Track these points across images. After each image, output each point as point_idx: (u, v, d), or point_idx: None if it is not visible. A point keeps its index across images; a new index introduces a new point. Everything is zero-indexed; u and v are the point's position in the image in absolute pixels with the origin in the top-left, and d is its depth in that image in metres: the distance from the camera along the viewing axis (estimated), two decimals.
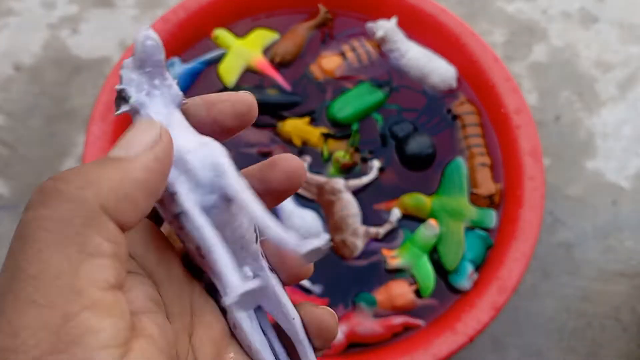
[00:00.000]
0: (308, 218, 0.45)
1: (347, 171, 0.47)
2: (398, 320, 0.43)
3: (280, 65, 0.51)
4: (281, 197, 0.21)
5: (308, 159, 0.48)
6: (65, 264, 0.14)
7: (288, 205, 0.45)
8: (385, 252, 0.45)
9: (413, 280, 0.44)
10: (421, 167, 0.48)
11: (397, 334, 0.44)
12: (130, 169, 0.16)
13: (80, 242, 0.15)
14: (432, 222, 0.45)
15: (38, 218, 0.15)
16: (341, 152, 0.47)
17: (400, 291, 0.44)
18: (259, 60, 0.50)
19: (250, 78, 0.50)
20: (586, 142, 0.56)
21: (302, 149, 0.48)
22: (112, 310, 0.15)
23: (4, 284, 0.15)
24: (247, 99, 0.22)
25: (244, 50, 0.50)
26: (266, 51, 0.51)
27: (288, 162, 0.20)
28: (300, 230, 0.44)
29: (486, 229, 0.46)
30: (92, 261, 0.15)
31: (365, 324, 0.43)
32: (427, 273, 0.44)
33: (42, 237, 0.15)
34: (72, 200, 0.15)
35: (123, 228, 0.16)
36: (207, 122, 0.20)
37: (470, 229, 0.46)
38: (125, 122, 0.48)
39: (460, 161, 0.47)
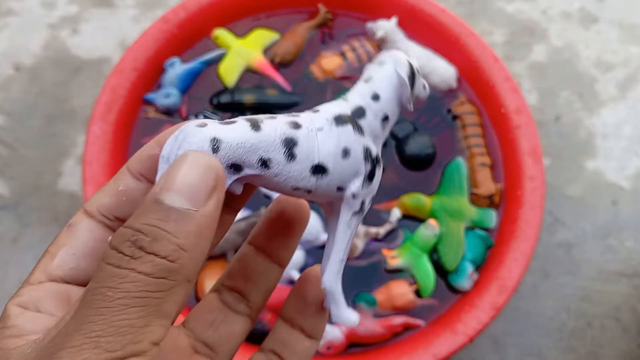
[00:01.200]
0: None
1: None
2: (398, 320, 0.43)
3: (280, 65, 0.51)
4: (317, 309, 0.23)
5: None
6: (139, 322, 0.15)
7: None
8: (385, 252, 0.45)
9: (413, 280, 0.44)
10: (421, 167, 0.48)
11: (397, 334, 0.44)
12: (203, 228, 0.16)
13: (157, 305, 0.16)
14: (432, 222, 0.45)
15: (127, 273, 0.16)
16: None
17: (400, 291, 0.44)
18: (259, 60, 0.50)
19: (250, 78, 0.50)
20: (586, 142, 0.56)
21: None
22: (150, 354, 0.16)
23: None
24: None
25: (244, 50, 0.50)
26: (266, 51, 0.51)
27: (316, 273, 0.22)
28: None
29: (486, 229, 0.46)
30: (160, 321, 0.16)
31: (366, 324, 0.43)
32: (427, 273, 0.44)
33: (128, 291, 0.16)
34: (165, 271, 0.16)
35: (191, 284, 0.17)
36: None
37: (470, 229, 0.46)
38: (125, 123, 0.48)
39: (460, 161, 0.47)
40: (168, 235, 0.16)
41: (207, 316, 0.23)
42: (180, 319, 0.23)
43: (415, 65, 0.21)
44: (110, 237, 0.17)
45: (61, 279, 0.19)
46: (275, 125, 0.19)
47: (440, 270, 0.45)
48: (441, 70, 0.50)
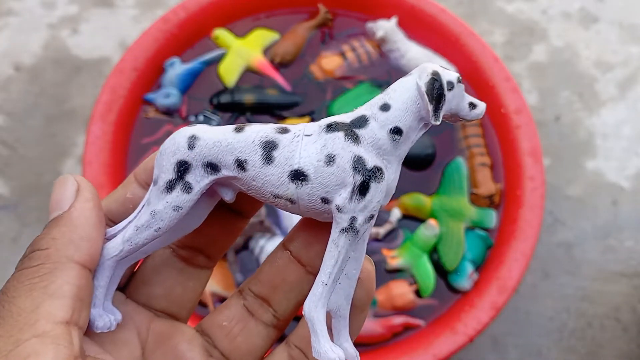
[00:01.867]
0: None
1: None
2: (398, 320, 0.43)
3: (280, 65, 0.51)
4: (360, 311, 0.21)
5: None
6: (28, 304, 0.17)
7: None
8: (385, 252, 0.45)
9: (413, 281, 0.44)
10: (421, 167, 0.48)
11: (397, 334, 0.44)
12: (74, 217, 0.19)
13: (44, 287, 0.18)
14: (432, 222, 0.45)
15: (16, 276, 0.18)
16: None
17: (400, 291, 0.44)
18: (259, 60, 0.50)
19: (250, 78, 0.50)
20: (586, 142, 0.56)
21: None
22: (58, 339, 0.17)
23: None
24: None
25: (244, 50, 0.50)
26: (266, 51, 0.51)
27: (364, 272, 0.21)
28: None
29: (486, 229, 0.46)
30: (51, 301, 0.17)
31: (366, 324, 0.43)
32: (427, 273, 0.44)
33: (17, 287, 0.18)
34: (41, 258, 0.18)
35: (90, 266, 0.19)
36: None
37: (470, 229, 0.46)
38: (125, 123, 0.48)
39: (460, 161, 0.47)
40: (47, 235, 0.19)
41: (224, 323, 0.22)
42: (197, 320, 0.23)
43: (448, 77, 0.19)
44: None
45: None
46: (259, 129, 0.18)
47: (440, 270, 0.45)
48: None
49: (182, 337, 0.22)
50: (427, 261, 0.45)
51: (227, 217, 0.21)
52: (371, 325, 0.43)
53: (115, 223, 0.21)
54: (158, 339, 0.22)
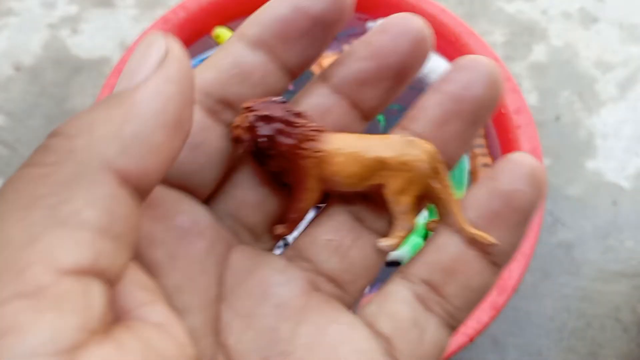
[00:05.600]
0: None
1: None
2: None
3: None
4: (404, 80, 0.18)
5: None
6: (20, 234, 0.10)
7: None
8: None
9: None
10: None
11: None
12: (136, 101, 0.12)
13: (50, 206, 0.11)
14: None
15: (13, 180, 0.12)
16: None
17: None
18: None
19: None
20: (586, 142, 0.56)
21: None
22: (62, 302, 0.10)
23: None
24: None
25: None
26: None
27: (407, 21, 0.17)
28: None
29: None
30: (60, 232, 0.11)
31: None
32: (418, 244, 0.45)
33: (10, 199, 0.11)
34: (57, 150, 0.12)
35: (139, 186, 0.12)
36: (294, 18, 0.16)
37: None
38: None
39: (464, 157, 0.47)
40: (83, 118, 0.13)
41: (329, 237, 0.17)
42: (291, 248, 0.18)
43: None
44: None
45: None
46: None
47: None
48: (441, 70, 0.50)
49: (270, 268, 0.17)
50: (422, 241, 0.45)
51: None
52: None
53: (212, 99, 0.16)
54: (240, 271, 0.16)
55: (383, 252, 0.18)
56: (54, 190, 0.11)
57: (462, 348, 0.41)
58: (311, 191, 0.17)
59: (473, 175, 0.47)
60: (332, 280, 0.17)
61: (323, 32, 0.17)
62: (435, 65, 0.50)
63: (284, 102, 0.17)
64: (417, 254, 0.18)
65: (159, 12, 0.59)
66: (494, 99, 0.18)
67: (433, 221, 0.19)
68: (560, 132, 0.56)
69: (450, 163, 0.18)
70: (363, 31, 0.52)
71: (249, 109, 0.17)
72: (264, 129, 0.16)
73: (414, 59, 0.17)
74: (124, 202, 0.12)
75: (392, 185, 0.17)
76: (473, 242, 0.17)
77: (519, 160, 0.17)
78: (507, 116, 0.47)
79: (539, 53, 0.59)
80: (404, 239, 0.17)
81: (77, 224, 0.11)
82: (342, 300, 0.17)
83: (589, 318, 0.50)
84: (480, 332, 0.41)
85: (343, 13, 0.17)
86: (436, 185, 0.18)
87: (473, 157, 0.47)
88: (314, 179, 0.17)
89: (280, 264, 0.17)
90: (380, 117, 0.48)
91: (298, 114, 0.17)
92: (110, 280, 0.11)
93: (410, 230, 0.17)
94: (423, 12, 0.51)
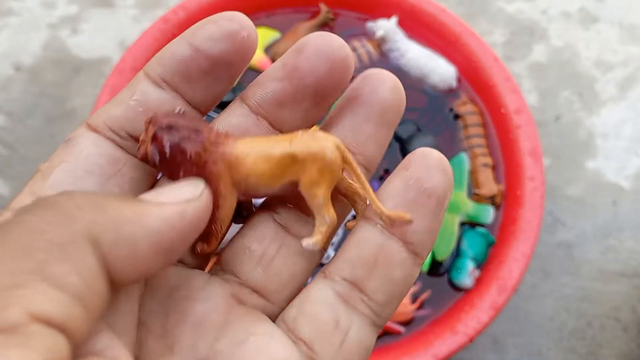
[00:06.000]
0: None
1: None
2: None
3: None
4: (323, 100, 0.17)
5: None
6: (9, 277, 0.11)
7: None
8: None
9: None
10: None
11: (378, 337, 0.43)
12: (148, 213, 0.14)
13: (42, 261, 0.12)
14: None
15: (15, 222, 0.13)
16: None
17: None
18: (260, 58, 0.50)
19: (251, 77, 0.50)
20: (586, 142, 0.56)
21: None
22: (29, 341, 0.11)
23: None
24: (234, 15, 0.17)
25: None
26: (267, 50, 0.51)
27: (323, 41, 0.16)
28: None
29: (482, 225, 0.46)
30: (43, 287, 0.11)
31: None
32: None
33: (8, 241, 0.12)
34: (62, 213, 0.13)
35: (111, 279, 0.13)
36: (194, 59, 0.17)
37: (471, 227, 0.46)
38: None
39: (463, 157, 0.47)
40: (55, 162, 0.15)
41: (253, 247, 0.17)
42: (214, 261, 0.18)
43: None
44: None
45: None
46: None
47: (440, 270, 0.45)
48: (441, 70, 0.50)
49: (190, 287, 0.17)
50: None
51: None
52: None
53: (119, 134, 0.17)
54: (160, 293, 0.16)
55: (310, 256, 0.18)
56: (48, 248, 0.12)
57: (462, 348, 0.41)
58: (225, 197, 0.17)
59: (473, 175, 0.47)
60: (256, 291, 0.17)
61: (225, 71, 0.17)
62: (436, 65, 0.50)
63: (184, 113, 0.17)
64: (338, 252, 0.18)
65: (159, 12, 0.59)
66: (399, 103, 0.18)
67: (351, 220, 0.18)
68: (560, 132, 0.56)
69: (370, 166, 0.18)
70: (363, 31, 0.52)
71: (151, 122, 0.16)
72: (169, 138, 0.16)
73: (332, 79, 0.17)
74: (102, 281, 0.13)
75: (304, 179, 0.17)
76: (393, 224, 0.17)
77: (427, 153, 0.17)
78: (507, 116, 0.47)
79: (539, 53, 0.59)
80: (327, 234, 0.17)
81: (60, 285, 0.12)
82: (267, 310, 0.17)
83: (589, 318, 0.50)
84: (480, 332, 0.41)
85: (245, 53, 0.17)
86: (347, 173, 0.18)
87: (473, 157, 0.47)
88: (226, 184, 0.17)
89: (201, 280, 0.17)
90: None
91: (200, 122, 0.17)
92: (74, 342, 0.12)
93: (333, 224, 0.17)
94: (423, 12, 0.51)
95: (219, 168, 0.17)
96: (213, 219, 0.17)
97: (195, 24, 0.17)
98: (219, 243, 0.17)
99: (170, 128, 0.16)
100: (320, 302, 0.17)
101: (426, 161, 0.17)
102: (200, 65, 0.17)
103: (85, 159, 0.16)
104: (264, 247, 0.17)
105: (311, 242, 0.17)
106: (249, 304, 0.17)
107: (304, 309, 0.17)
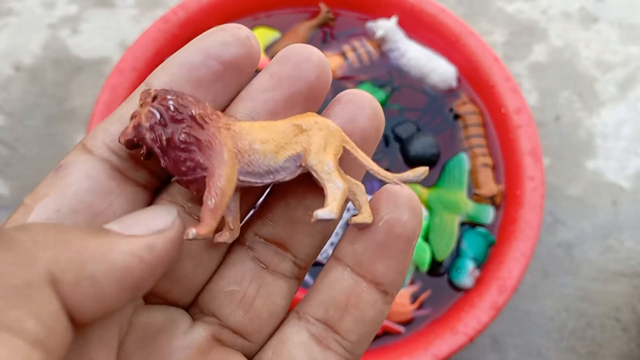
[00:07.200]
0: None
1: None
2: None
3: None
4: (313, 106, 0.17)
5: None
6: None
7: None
8: None
9: (412, 281, 0.45)
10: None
11: (377, 337, 0.43)
12: (114, 248, 0.13)
13: None
14: None
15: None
16: None
17: (400, 300, 0.44)
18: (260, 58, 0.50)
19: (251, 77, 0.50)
20: (586, 142, 0.56)
21: None
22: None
23: None
24: (240, 26, 0.17)
25: None
26: (267, 50, 0.51)
27: (305, 49, 0.17)
28: None
29: (482, 225, 0.46)
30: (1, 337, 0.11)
31: None
32: (421, 247, 0.45)
33: None
34: (20, 254, 0.12)
35: (74, 319, 0.12)
36: (206, 64, 0.16)
37: (470, 226, 0.46)
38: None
39: (463, 157, 0.47)
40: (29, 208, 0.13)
41: (232, 288, 0.17)
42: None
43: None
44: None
45: None
46: None
47: (440, 270, 0.45)
48: (441, 70, 0.50)
49: (171, 332, 0.16)
50: (421, 240, 0.45)
51: None
52: None
53: (119, 155, 0.15)
54: (142, 336, 0.16)
55: (288, 294, 0.17)
56: (4, 293, 0.11)
57: (462, 348, 0.41)
58: (229, 167, 0.16)
59: (473, 175, 0.47)
60: (237, 332, 0.17)
61: (235, 77, 0.17)
62: (436, 65, 0.50)
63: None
64: (310, 291, 0.18)
65: (159, 12, 0.59)
66: (378, 130, 0.18)
67: (355, 216, 0.18)
68: (560, 132, 0.56)
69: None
70: (363, 31, 0.52)
71: (148, 93, 0.16)
72: (173, 98, 0.15)
73: (321, 83, 0.17)
74: (64, 322, 0.12)
75: (312, 146, 0.17)
76: (405, 182, 0.18)
77: (396, 191, 0.17)
78: (507, 116, 0.47)
79: (539, 53, 0.59)
80: (341, 202, 0.16)
81: (16, 332, 0.11)
82: (246, 349, 0.17)
83: (589, 318, 0.50)
84: (480, 332, 0.41)
85: (254, 58, 0.17)
86: (349, 146, 0.17)
87: (473, 157, 0.47)
88: (230, 152, 0.16)
89: (185, 324, 0.17)
90: None
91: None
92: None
93: (344, 193, 0.17)
94: (423, 12, 0.51)
95: (223, 134, 0.16)
96: (213, 191, 0.16)
97: (202, 34, 0.17)
98: (217, 221, 0.16)
99: (173, 92, 0.16)
100: (296, 344, 0.17)
101: (395, 201, 0.17)
102: (213, 70, 0.16)
103: (72, 195, 0.15)
104: (244, 289, 0.17)
105: (326, 210, 0.16)
106: (228, 344, 0.17)
107: (281, 352, 0.17)
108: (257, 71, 0.50)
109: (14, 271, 0.12)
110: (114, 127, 0.16)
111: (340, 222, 0.44)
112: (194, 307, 0.17)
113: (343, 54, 0.51)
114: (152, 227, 0.14)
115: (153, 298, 0.17)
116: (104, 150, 0.15)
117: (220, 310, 0.17)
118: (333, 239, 0.44)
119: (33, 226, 0.13)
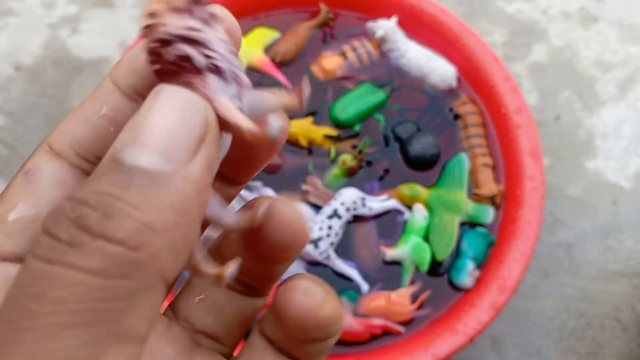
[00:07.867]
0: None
1: (351, 174, 0.47)
2: (378, 321, 0.43)
3: (281, 65, 0.51)
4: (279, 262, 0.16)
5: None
6: (84, 353, 0.09)
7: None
8: (385, 248, 0.45)
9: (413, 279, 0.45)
10: (426, 167, 0.48)
11: (377, 337, 0.43)
12: (180, 200, 0.10)
13: (111, 320, 0.10)
14: (418, 205, 0.45)
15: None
16: (349, 155, 0.47)
17: (400, 300, 0.44)
18: (260, 58, 0.50)
19: (251, 77, 0.50)
20: (586, 142, 0.56)
21: (309, 149, 0.48)
22: None
23: None
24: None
25: (245, 48, 0.50)
26: (267, 50, 0.51)
27: (286, 210, 0.14)
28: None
29: (482, 225, 0.46)
30: (121, 348, 0.10)
31: (345, 318, 0.43)
32: (422, 247, 0.45)
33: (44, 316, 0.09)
34: (124, 265, 0.10)
35: (168, 286, 0.11)
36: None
37: (471, 227, 0.46)
38: None
39: (463, 157, 0.47)
40: (128, 208, 0.10)
41: (200, 297, 0.16)
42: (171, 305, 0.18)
43: None
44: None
45: (13, 256, 0.13)
46: None
47: (440, 270, 0.45)
48: (441, 70, 0.50)
49: (157, 327, 0.16)
50: (422, 241, 0.45)
51: None
52: (349, 322, 0.43)
53: (88, 160, 0.14)
54: None
55: (254, 302, 0.17)
56: (116, 305, 0.10)
57: (462, 348, 0.41)
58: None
59: (473, 175, 0.47)
60: (209, 336, 0.16)
61: None
62: (436, 65, 0.50)
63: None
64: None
65: None
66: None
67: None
68: (560, 132, 0.56)
69: None
70: (363, 31, 0.52)
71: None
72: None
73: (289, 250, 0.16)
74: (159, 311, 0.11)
75: None
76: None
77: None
78: (507, 116, 0.47)
79: (539, 53, 0.59)
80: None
81: (133, 338, 0.10)
82: (222, 352, 0.17)
83: (589, 318, 0.50)
84: (480, 332, 0.41)
85: (235, 43, 0.15)
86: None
87: (473, 157, 0.47)
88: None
89: (164, 324, 0.16)
90: (380, 117, 0.48)
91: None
92: None
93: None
94: (423, 12, 0.51)
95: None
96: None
97: None
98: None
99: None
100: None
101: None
102: None
103: (48, 205, 0.13)
104: (213, 296, 0.16)
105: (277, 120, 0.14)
106: (205, 346, 0.17)
107: None
108: (258, 71, 0.50)
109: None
110: (82, 131, 0.14)
111: (340, 223, 0.44)
112: (170, 311, 0.17)
113: (343, 54, 0.51)
114: (194, 137, 0.11)
115: (203, 334, 0.17)
116: (73, 157, 0.14)
117: (194, 317, 0.16)
118: (333, 239, 0.44)
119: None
